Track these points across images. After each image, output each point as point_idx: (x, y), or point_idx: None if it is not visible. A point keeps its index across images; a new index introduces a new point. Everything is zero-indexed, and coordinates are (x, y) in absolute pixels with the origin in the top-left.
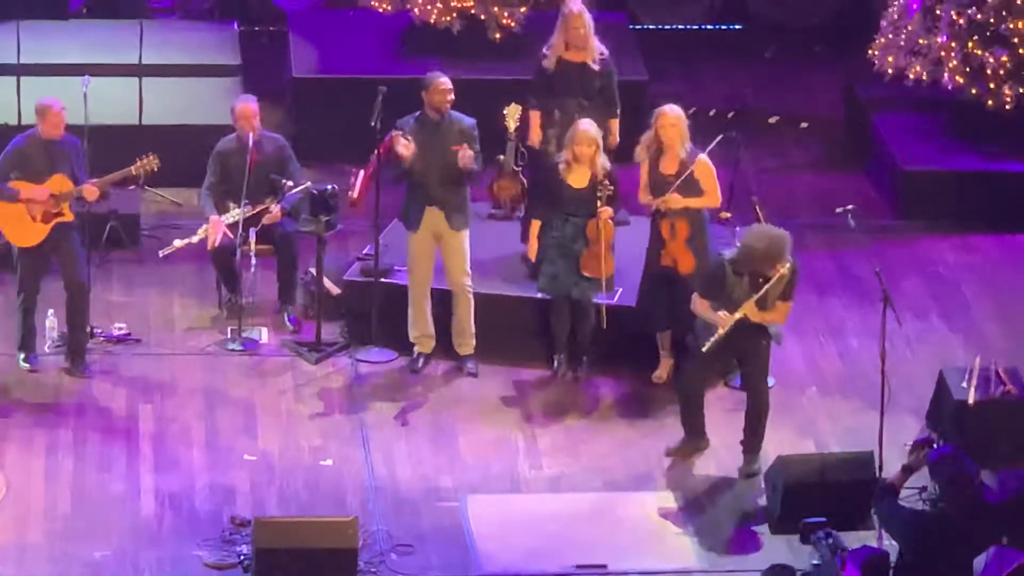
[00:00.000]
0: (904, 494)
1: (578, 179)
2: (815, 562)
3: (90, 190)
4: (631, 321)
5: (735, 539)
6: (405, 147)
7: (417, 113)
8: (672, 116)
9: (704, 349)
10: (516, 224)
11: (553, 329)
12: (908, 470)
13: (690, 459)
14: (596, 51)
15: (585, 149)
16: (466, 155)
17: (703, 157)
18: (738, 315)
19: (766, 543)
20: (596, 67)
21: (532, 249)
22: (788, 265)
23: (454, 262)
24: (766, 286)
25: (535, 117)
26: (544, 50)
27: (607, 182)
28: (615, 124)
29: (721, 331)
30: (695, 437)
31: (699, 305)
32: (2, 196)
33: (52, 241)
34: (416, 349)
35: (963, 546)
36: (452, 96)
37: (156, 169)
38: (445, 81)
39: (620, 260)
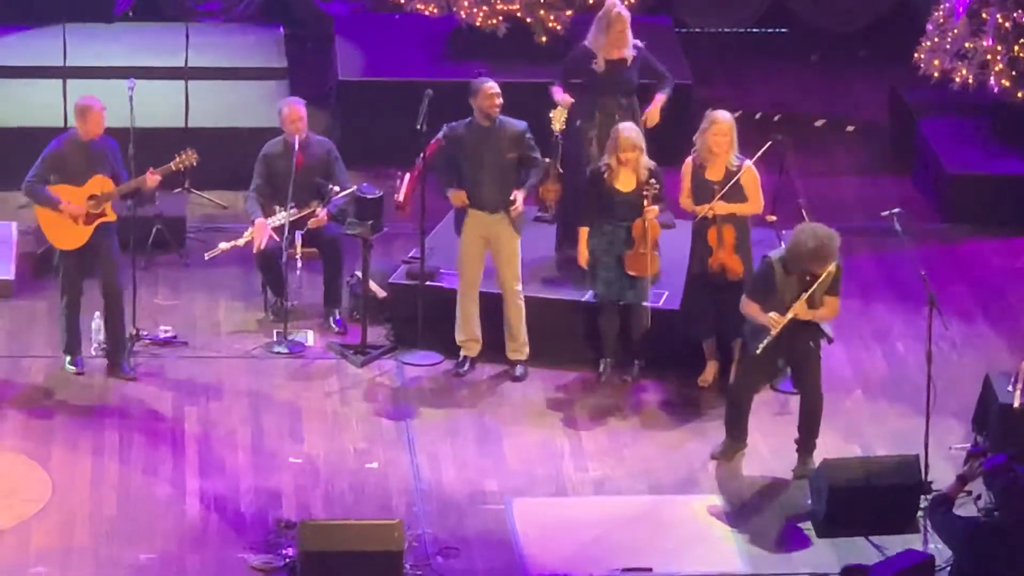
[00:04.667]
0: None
1: (625, 183)
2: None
3: (152, 178)
4: (676, 325)
5: (781, 542)
6: (459, 198)
7: (467, 120)
8: (725, 124)
9: (758, 351)
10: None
11: (603, 333)
12: (962, 480)
13: (734, 462)
14: (631, 45)
15: (629, 154)
16: (516, 207)
17: (750, 164)
18: (790, 315)
19: (812, 547)
20: (628, 60)
21: (583, 255)
22: (835, 263)
23: (506, 267)
24: (814, 284)
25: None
26: (587, 44)
27: (652, 180)
28: (660, 100)
29: (774, 332)
30: (738, 439)
31: (749, 307)
32: (43, 203)
33: (94, 243)
34: (462, 352)
35: (1021, 554)
36: (500, 100)
37: (195, 163)
38: (492, 86)
39: (666, 264)
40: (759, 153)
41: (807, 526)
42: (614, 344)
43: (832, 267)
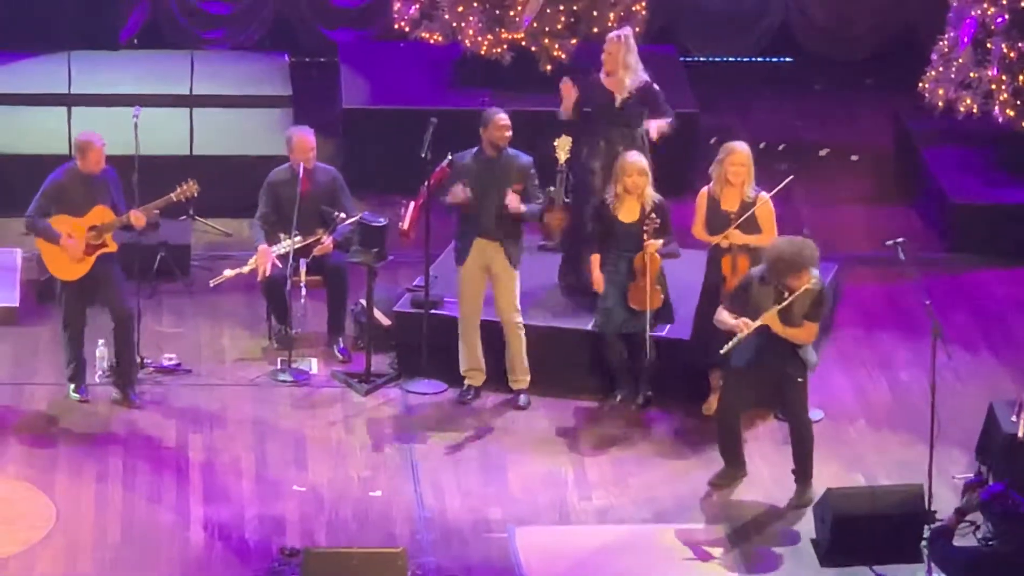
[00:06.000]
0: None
1: (628, 213)
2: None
3: (137, 216)
4: (682, 354)
5: (784, 571)
6: (462, 192)
7: (474, 149)
8: (743, 154)
9: (722, 351)
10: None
11: (611, 364)
12: (961, 512)
13: (734, 490)
14: (628, 87)
15: (635, 180)
16: (512, 200)
17: (767, 197)
18: (760, 322)
19: None
20: (618, 103)
21: (598, 282)
22: (815, 281)
23: (505, 297)
24: (790, 297)
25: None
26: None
27: (654, 215)
28: (663, 123)
29: (740, 335)
30: (733, 466)
31: (720, 314)
32: (44, 236)
33: (95, 273)
34: (466, 381)
35: None
36: (510, 132)
37: (196, 194)
38: (504, 117)
39: (674, 294)
40: (778, 188)
41: (811, 554)
42: (624, 374)
43: (811, 285)
